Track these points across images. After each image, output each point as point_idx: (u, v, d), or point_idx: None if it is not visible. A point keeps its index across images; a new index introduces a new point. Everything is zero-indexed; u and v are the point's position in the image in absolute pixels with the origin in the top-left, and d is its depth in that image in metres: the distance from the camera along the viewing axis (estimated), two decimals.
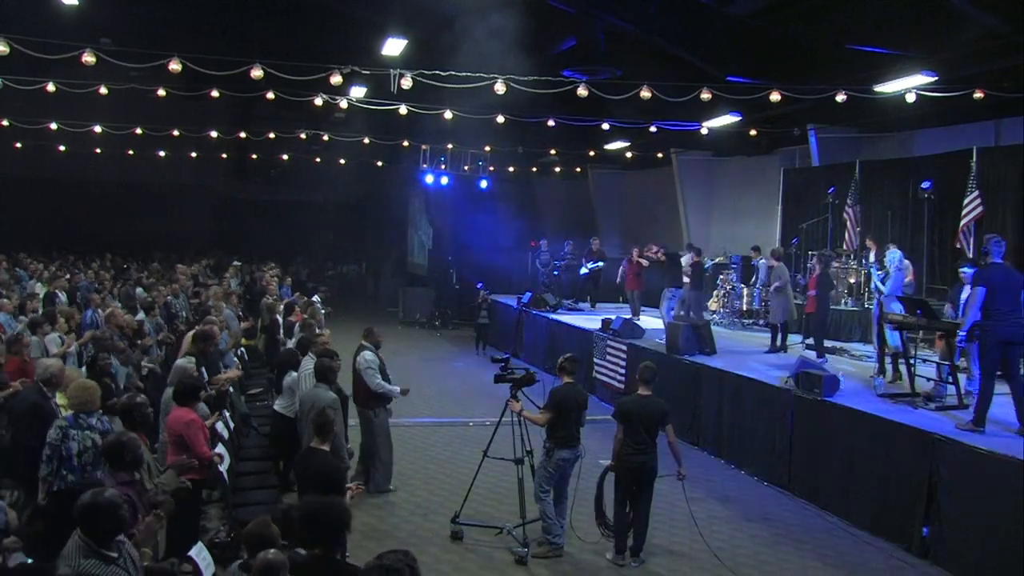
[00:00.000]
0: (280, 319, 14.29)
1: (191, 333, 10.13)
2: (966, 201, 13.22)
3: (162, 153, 24.96)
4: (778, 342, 13.53)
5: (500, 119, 16.53)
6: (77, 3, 13.44)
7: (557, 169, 27.07)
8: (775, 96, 12.20)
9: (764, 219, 20.29)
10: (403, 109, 15.34)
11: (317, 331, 10.26)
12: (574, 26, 15.48)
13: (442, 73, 11.64)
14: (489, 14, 13.94)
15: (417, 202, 29.43)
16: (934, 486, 7.99)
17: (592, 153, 23.41)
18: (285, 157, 26.66)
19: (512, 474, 8.16)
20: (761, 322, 16.04)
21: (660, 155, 22.31)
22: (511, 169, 26.10)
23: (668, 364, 12.84)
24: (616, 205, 26.67)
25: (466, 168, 25.55)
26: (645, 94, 12.09)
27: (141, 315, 11.68)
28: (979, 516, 7.56)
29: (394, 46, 13.75)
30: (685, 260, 15.61)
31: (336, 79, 11.86)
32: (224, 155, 27.49)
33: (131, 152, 24.15)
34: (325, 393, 7.98)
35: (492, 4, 13.48)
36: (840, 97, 12.22)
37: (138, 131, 20.60)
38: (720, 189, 22.36)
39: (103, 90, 14.80)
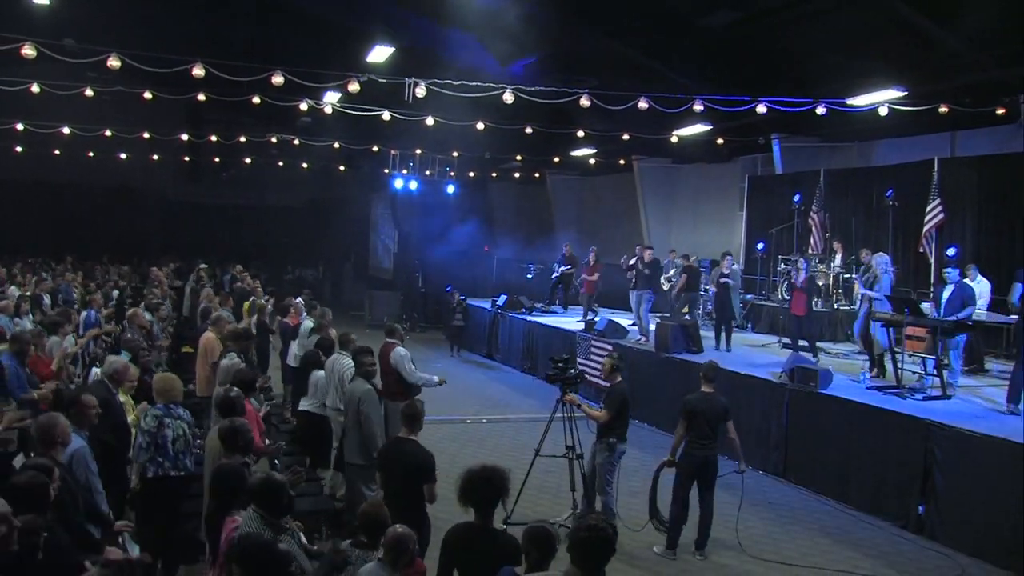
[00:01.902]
0: (268, 320, 14.42)
1: (208, 334, 10.27)
2: (928, 208, 14.09)
3: (123, 156, 24.52)
4: (722, 342, 14.12)
5: (480, 126, 16.86)
6: (48, 2, 13.30)
7: (516, 175, 27.52)
8: (761, 108, 12.85)
9: (725, 225, 21.09)
10: (386, 115, 15.61)
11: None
12: (551, 36, 15.92)
13: (454, 82, 11.96)
14: (473, 22, 14.34)
15: (381, 206, 29.52)
16: (929, 467, 8.72)
17: (557, 159, 23.85)
18: (248, 160, 26.43)
19: (544, 471, 8.49)
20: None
21: (622, 162, 22.92)
22: (471, 174, 26.45)
23: (657, 362, 13.46)
24: (574, 210, 27.21)
25: (428, 173, 25.84)
26: (643, 105, 12.60)
27: (148, 316, 11.73)
28: (971, 493, 8.32)
29: (380, 53, 14.04)
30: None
31: (354, 87, 12.11)
32: (186, 158, 27.17)
33: (91, 154, 23.65)
34: (363, 385, 8.26)
35: (474, 14, 13.88)
36: (820, 110, 12.95)
37: (108, 133, 20.28)
38: (681, 195, 23.10)
39: (89, 92, 14.69)
